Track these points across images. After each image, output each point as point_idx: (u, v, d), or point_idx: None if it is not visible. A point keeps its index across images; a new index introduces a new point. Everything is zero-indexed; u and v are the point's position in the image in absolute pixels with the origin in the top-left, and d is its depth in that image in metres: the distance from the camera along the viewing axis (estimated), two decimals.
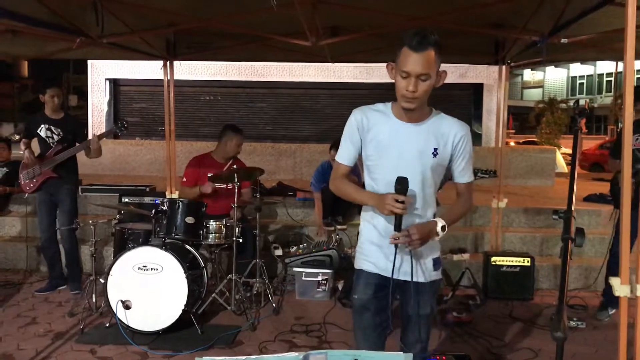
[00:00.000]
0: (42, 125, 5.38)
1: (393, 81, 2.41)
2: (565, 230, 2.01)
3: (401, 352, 1.64)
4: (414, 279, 2.48)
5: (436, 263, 2.58)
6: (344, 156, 2.57)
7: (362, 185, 2.66)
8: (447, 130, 2.46)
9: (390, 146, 2.44)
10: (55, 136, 5.38)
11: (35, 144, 5.46)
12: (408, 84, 2.30)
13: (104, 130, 12.60)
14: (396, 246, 2.39)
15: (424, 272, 2.54)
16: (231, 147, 5.46)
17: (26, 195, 5.59)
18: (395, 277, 2.47)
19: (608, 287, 4.93)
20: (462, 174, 2.55)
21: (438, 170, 2.51)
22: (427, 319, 2.62)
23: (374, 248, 2.55)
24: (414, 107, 2.37)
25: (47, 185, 5.39)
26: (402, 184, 2.33)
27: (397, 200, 2.30)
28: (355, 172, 2.64)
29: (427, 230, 2.38)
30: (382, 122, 2.47)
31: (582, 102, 2.76)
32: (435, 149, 2.44)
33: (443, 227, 2.40)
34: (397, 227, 2.35)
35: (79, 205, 5.76)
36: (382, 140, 2.45)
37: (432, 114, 2.49)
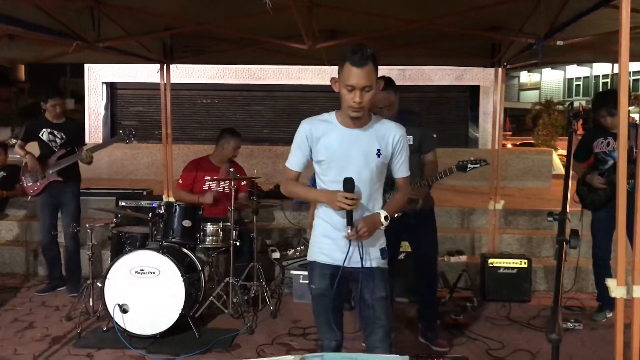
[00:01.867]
0: (44, 129, 5.41)
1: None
2: (560, 232, 2.01)
3: (397, 355, 1.65)
4: (366, 265, 2.77)
5: (383, 252, 2.89)
6: (294, 162, 2.87)
7: None
8: (387, 132, 2.78)
9: (339, 151, 2.75)
10: (58, 140, 5.41)
11: (33, 147, 5.47)
12: (354, 96, 2.60)
13: (101, 133, 12.60)
14: (333, 239, 2.78)
15: (373, 259, 2.83)
16: (228, 150, 5.46)
17: (29, 197, 5.60)
18: (346, 265, 2.74)
19: (601, 292, 4.96)
20: (400, 170, 2.87)
21: (382, 169, 2.82)
22: (384, 302, 2.84)
23: (328, 241, 2.83)
24: (361, 116, 2.69)
25: (51, 188, 5.43)
26: (349, 183, 2.66)
27: (346, 198, 2.62)
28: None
29: (372, 222, 2.71)
30: (330, 130, 2.77)
31: (576, 104, 2.77)
32: (379, 150, 2.76)
33: (386, 217, 2.73)
34: (349, 221, 2.67)
35: None
36: (331, 146, 2.76)
37: (372, 119, 2.80)
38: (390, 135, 2.77)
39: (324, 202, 2.79)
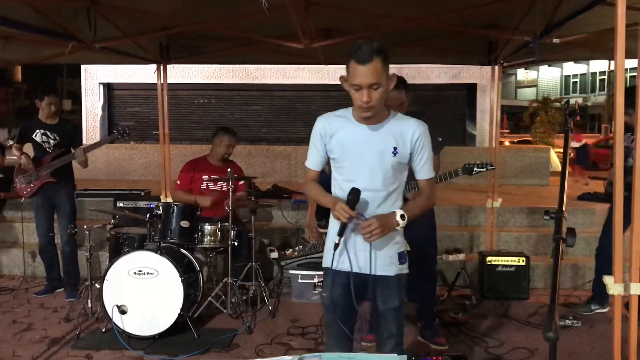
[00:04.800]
0: (38, 131, 5.38)
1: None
2: (557, 231, 2.01)
3: (396, 354, 1.65)
4: (381, 273, 2.63)
5: (402, 257, 2.71)
6: (312, 162, 2.76)
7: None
8: (405, 129, 2.60)
9: (352, 148, 2.60)
10: (51, 141, 5.38)
11: (28, 148, 5.45)
12: (362, 95, 2.44)
13: (98, 134, 12.59)
14: (345, 243, 2.60)
15: (390, 265, 2.66)
16: (223, 147, 5.45)
17: (22, 199, 5.58)
18: (363, 272, 2.61)
19: (596, 284, 4.99)
20: (422, 171, 2.68)
21: (399, 169, 2.64)
22: (397, 313, 2.72)
23: (340, 246, 2.64)
24: (372, 115, 2.54)
25: (45, 190, 5.41)
26: (353, 194, 2.52)
27: (344, 210, 2.48)
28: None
29: (387, 220, 2.51)
30: (344, 127, 2.63)
31: (572, 102, 2.77)
32: (395, 148, 2.58)
33: (402, 216, 2.52)
34: (340, 232, 2.56)
35: None
36: (344, 143, 2.62)
37: (390, 115, 2.63)
38: (408, 132, 2.58)
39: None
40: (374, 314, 2.74)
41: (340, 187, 2.66)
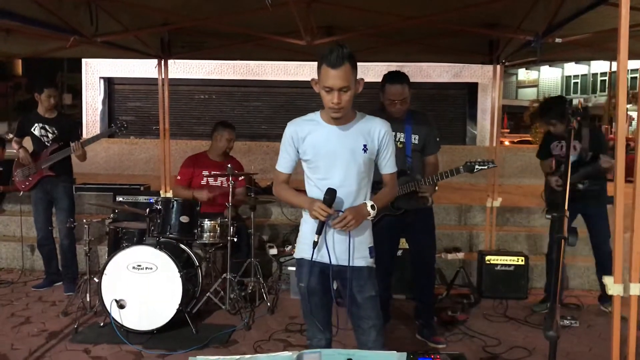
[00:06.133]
0: (36, 124, 5.38)
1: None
2: (559, 230, 2.01)
3: (395, 351, 1.65)
4: (356, 264, 2.76)
5: (371, 251, 2.86)
6: (283, 165, 2.89)
7: None
8: (372, 127, 2.77)
9: (325, 148, 2.75)
10: (50, 135, 5.37)
11: (28, 142, 5.45)
12: (332, 97, 2.61)
13: (98, 128, 12.58)
14: (324, 236, 2.72)
15: (361, 258, 2.81)
16: (222, 142, 5.44)
17: (21, 193, 5.58)
18: (336, 263, 2.74)
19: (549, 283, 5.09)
20: (387, 166, 2.85)
21: (369, 165, 2.81)
22: (375, 301, 2.83)
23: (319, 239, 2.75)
24: (342, 116, 2.70)
25: (43, 183, 5.40)
26: (330, 194, 2.66)
27: (322, 209, 2.62)
28: None
29: (358, 211, 2.68)
30: (315, 130, 2.78)
31: (575, 101, 2.78)
32: (365, 145, 2.75)
33: (372, 206, 2.72)
34: (319, 231, 2.68)
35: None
36: (317, 144, 2.77)
37: (356, 115, 2.80)
38: (375, 130, 2.76)
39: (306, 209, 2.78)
40: (352, 306, 2.82)
41: (316, 186, 2.79)
